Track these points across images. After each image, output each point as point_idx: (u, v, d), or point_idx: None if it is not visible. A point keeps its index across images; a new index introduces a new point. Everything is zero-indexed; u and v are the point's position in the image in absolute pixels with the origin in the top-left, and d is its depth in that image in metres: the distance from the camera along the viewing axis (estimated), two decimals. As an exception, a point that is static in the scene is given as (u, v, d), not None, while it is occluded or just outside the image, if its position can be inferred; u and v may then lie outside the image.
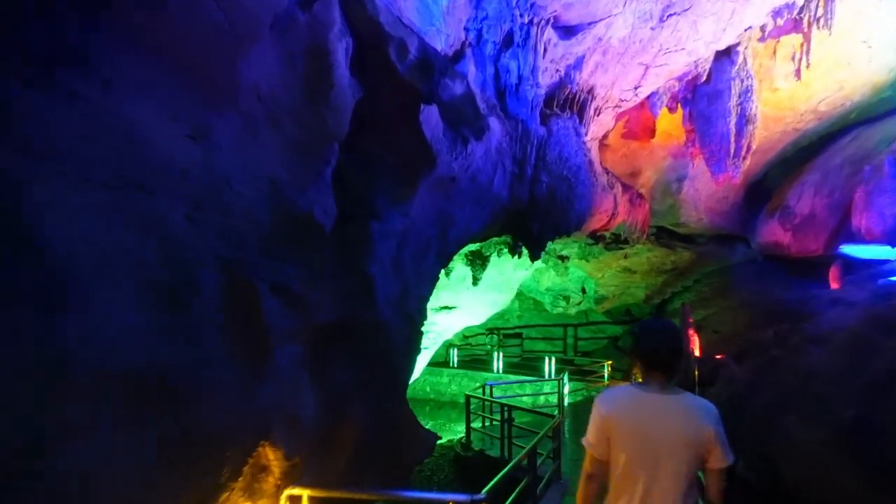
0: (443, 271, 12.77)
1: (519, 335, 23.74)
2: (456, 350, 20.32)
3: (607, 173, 12.44)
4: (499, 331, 23.51)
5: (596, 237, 13.06)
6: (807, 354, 7.82)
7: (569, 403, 14.06)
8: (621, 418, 2.27)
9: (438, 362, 20.87)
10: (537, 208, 9.18)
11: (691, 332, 11.98)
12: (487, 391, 11.21)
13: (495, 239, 11.63)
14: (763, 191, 16.47)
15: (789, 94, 13.31)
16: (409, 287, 7.64)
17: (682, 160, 15.20)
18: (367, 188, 6.91)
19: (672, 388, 2.31)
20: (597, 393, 16.27)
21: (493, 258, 12.62)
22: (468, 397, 9.99)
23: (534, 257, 10.12)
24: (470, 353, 21.97)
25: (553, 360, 17.41)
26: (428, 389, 19.91)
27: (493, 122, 8.46)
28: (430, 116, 7.01)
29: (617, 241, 16.32)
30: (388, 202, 7.09)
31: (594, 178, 10.94)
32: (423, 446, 6.19)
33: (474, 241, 9.87)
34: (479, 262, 12.11)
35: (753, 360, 9.45)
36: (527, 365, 18.76)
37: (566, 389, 13.80)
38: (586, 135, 10.97)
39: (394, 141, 7.03)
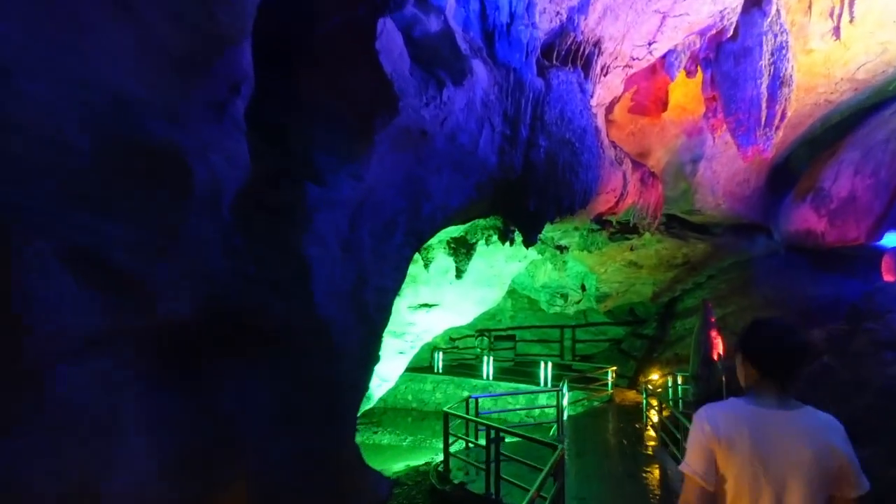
0: (421, 262, 11.08)
1: (512, 337, 22.09)
2: (441, 354, 18.63)
3: (615, 147, 10.78)
4: (489, 332, 21.87)
5: (601, 222, 11.39)
6: (880, 364, 6.16)
7: (568, 416, 12.39)
8: (735, 440, 1.88)
9: (422, 367, 19.19)
10: (534, 179, 7.50)
11: (714, 333, 10.35)
12: (472, 406, 9.51)
13: (482, 223, 9.95)
14: (787, 174, 14.89)
15: (825, 56, 11.70)
16: (366, 275, 5.97)
17: (697, 138, 13.58)
18: (305, 140, 5.23)
19: (791, 400, 1.91)
20: (600, 404, 14.74)
21: (481, 247, 10.93)
22: (446, 415, 8.29)
23: (528, 242, 8.44)
24: (457, 357, 20.29)
25: (549, 365, 15.75)
26: (410, 398, 18.22)
27: (478, 67, 6.77)
28: (391, 42, 5.31)
29: (624, 231, 14.72)
30: (335, 160, 5.42)
31: (601, 149, 9.27)
32: (370, 498, 4.48)
33: (456, 221, 8.18)
34: (463, 250, 10.43)
35: (800, 368, 7.79)
36: (520, 371, 17.10)
37: (565, 400, 12.13)
38: (592, 96, 9.30)
39: (341, 76, 5.33)
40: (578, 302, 17.93)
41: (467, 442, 8.89)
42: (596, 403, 14.44)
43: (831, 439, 1.85)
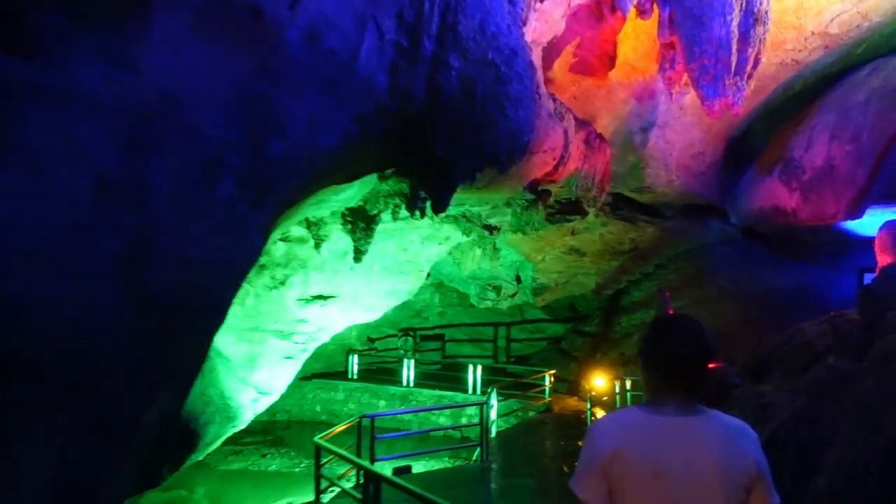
0: (311, 241, 8.89)
1: (440, 337, 20.14)
2: (357, 357, 16.42)
3: (555, 100, 8.89)
4: (415, 332, 19.82)
5: (537, 192, 9.49)
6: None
7: (498, 433, 10.47)
8: (631, 455, 1.68)
9: (335, 373, 16.96)
10: (443, 112, 5.47)
11: None
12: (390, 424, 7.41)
13: (384, 187, 7.87)
14: (745, 149, 13.50)
15: (797, 3, 10.22)
16: (155, 237, 3.78)
17: (649, 102, 11.94)
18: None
19: (696, 406, 1.74)
20: (537, 415, 12.97)
21: (387, 222, 8.85)
22: (317, 449, 6.14)
23: (438, 207, 6.47)
24: (376, 360, 18.13)
25: (479, 368, 13.84)
26: (318, 408, 15.96)
27: (354, -68, 4.66)
28: None
29: (565, 212, 12.94)
30: (73, 24, 3.21)
31: (537, 91, 7.34)
32: None
33: (340, 177, 6.07)
34: (361, 225, 8.30)
35: (792, 375, 6.12)
36: (447, 375, 15.10)
37: (494, 413, 10.20)
38: (525, 23, 7.36)
39: None
40: (513, 295, 16.11)
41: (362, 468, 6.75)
42: (532, 414, 12.61)
43: (741, 448, 1.69)
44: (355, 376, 16.19)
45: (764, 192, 11.63)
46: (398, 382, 15.15)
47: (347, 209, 8.33)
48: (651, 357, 1.78)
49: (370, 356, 17.96)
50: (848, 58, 11.93)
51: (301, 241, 9.05)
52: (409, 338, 19.53)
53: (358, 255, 8.51)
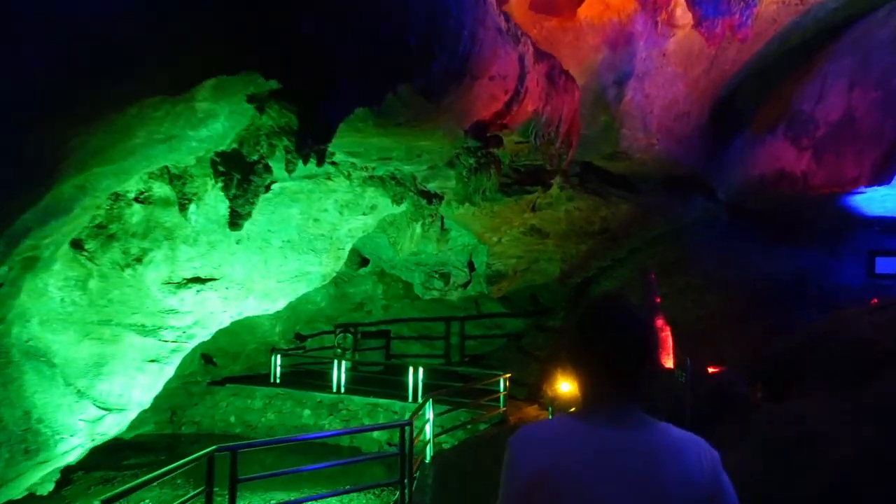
0: (175, 202, 6.70)
1: (384, 334, 17.99)
2: (279, 357, 14.17)
3: (508, 20, 6.83)
4: (355, 328, 17.67)
5: (485, 141, 7.41)
6: None
7: (435, 456, 8.42)
8: (559, 481, 1.38)
9: (254, 376, 14.67)
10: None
11: (660, 322, 6.82)
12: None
13: (265, 122, 5.73)
14: (734, 113, 11.71)
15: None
16: None
17: (624, 50, 10.02)
18: None
19: (638, 416, 1.45)
20: (488, 427, 10.97)
21: (282, 178, 6.74)
22: None
23: (319, 139, 4.35)
24: (308, 360, 15.89)
25: (420, 371, 11.75)
26: (233, 419, 13.68)
27: None
28: None
29: (524, 182, 11.01)
30: None
31: (478, -18, 5.27)
32: None
33: (159, 84, 3.91)
34: (238, 177, 6.11)
35: (844, 388, 4.25)
36: (389, 380, 12.96)
37: (429, 429, 8.17)
38: None
39: None
40: (465, 285, 14.08)
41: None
42: (483, 427, 10.59)
43: (696, 471, 1.37)
44: (278, 380, 13.94)
45: (764, 156, 9.84)
46: (328, 388, 12.98)
47: (217, 154, 6.14)
48: (579, 351, 1.47)
49: (299, 357, 15.70)
50: (855, 2, 10.21)
51: (165, 203, 6.83)
52: (349, 335, 17.36)
53: (236, 220, 6.33)
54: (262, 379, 14.34)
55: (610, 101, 10.49)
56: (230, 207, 6.35)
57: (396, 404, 11.89)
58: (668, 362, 6.53)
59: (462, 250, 13.68)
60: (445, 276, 13.75)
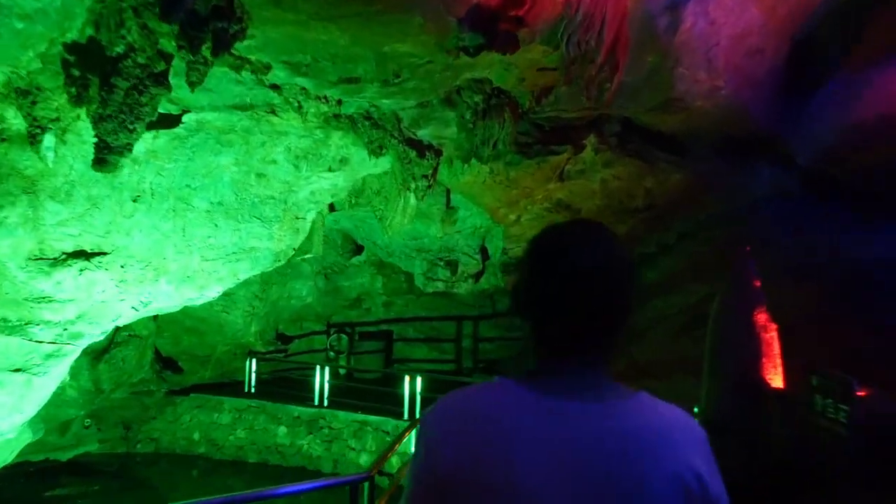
0: (18, 127, 4.56)
1: (386, 335, 15.82)
2: (255, 362, 12.06)
3: None
4: (352, 328, 15.55)
5: (491, 36, 5.12)
6: None
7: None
8: (486, 475, 0.99)
9: (227, 384, 12.61)
10: None
11: (764, 318, 4.62)
12: None
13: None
14: (815, 57, 9.33)
15: None
16: None
17: (681, -37, 7.73)
18: None
19: (603, 381, 1.07)
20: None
21: (182, 95, 4.62)
22: None
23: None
24: (291, 366, 13.79)
25: (419, 382, 9.55)
26: (196, 436, 11.60)
27: None
28: None
29: (548, 141, 8.92)
30: None
31: None
32: None
33: None
34: (94, 80, 3.99)
35: None
36: (385, 392, 10.69)
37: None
38: None
39: None
40: (477, 276, 11.86)
41: None
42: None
43: (675, 455, 0.99)
44: (253, 389, 11.84)
45: (870, 98, 7.50)
46: (309, 400, 10.83)
47: (67, 48, 4.00)
48: (532, 294, 1.08)
49: (280, 362, 13.58)
50: None
51: (23, 139, 4.71)
52: (343, 336, 15.22)
53: (105, 156, 4.22)
54: (236, 388, 12.24)
55: (660, 32, 8.16)
56: (96, 136, 4.21)
57: (389, 422, 9.70)
58: (776, 378, 4.31)
59: (473, 233, 11.48)
60: (452, 265, 11.55)
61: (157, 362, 11.61)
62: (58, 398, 9.60)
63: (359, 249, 13.51)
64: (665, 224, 10.86)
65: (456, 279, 11.69)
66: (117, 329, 9.90)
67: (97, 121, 4.07)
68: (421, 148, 6.86)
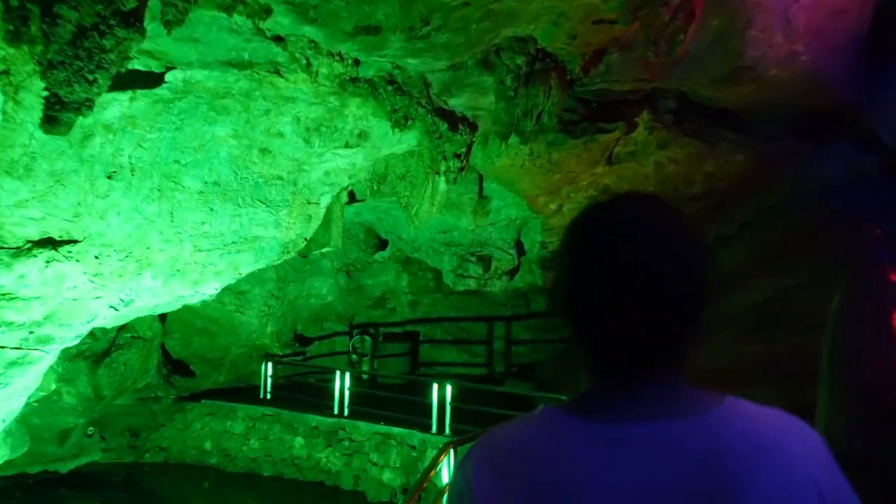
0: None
1: (412, 336, 14.92)
2: (272, 366, 11.23)
3: None
4: (376, 329, 14.70)
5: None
6: None
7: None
8: None
9: (242, 389, 11.83)
10: None
11: None
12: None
13: None
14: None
15: None
16: None
17: None
18: None
19: (686, 393, 0.88)
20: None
21: (166, 50, 3.69)
22: None
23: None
24: (311, 370, 12.96)
25: (449, 391, 8.61)
26: (208, 446, 10.81)
27: None
28: None
29: (597, 118, 8.04)
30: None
31: None
32: None
33: None
34: (34, 10, 3.12)
35: None
36: (410, 401, 9.75)
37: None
38: None
39: None
40: (511, 272, 10.88)
41: None
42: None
43: (793, 470, 0.80)
44: (268, 395, 11.02)
45: None
46: (328, 408, 9.97)
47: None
48: (574, 287, 0.88)
49: (299, 365, 12.74)
50: None
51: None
52: (367, 337, 14.35)
53: (55, 113, 3.33)
54: (251, 394, 11.43)
55: (728, -11, 7.14)
56: (46, 87, 3.34)
57: (415, 435, 8.77)
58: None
59: (507, 226, 10.50)
60: (485, 260, 10.59)
61: (167, 365, 10.86)
62: (54, 406, 8.90)
63: (383, 245, 12.63)
64: (725, 213, 9.77)
65: (489, 276, 10.73)
66: (119, 330, 9.17)
67: (45, 68, 3.21)
68: (453, 120, 5.91)
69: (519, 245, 10.73)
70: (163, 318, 10.79)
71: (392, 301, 14.73)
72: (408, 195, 7.52)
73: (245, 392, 11.79)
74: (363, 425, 9.39)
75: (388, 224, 11.45)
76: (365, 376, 13.20)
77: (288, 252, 5.90)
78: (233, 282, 5.87)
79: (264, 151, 5.11)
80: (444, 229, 10.74)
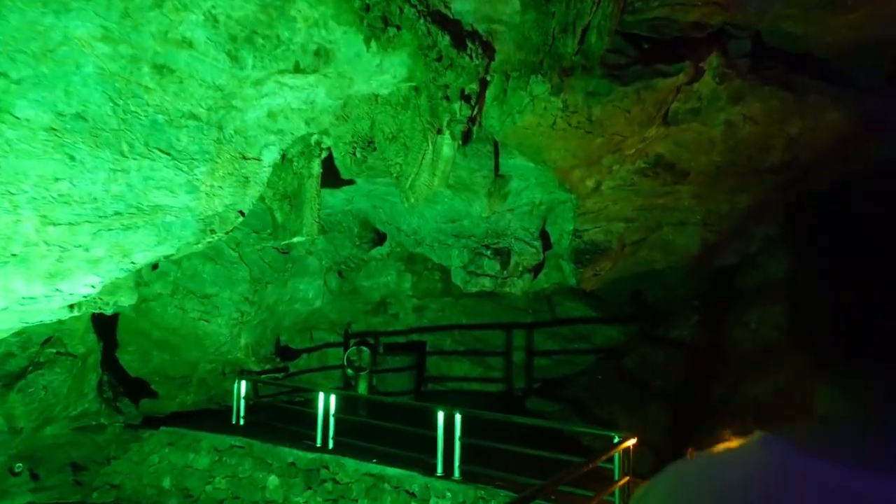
0: None
1: (418, 347, 13.12)
2: (245, 385, 9.41)
3: None
4: (376, 339, 12.92)
5: None
6: None
7: None
8: None
9: (213, 411, 10.05)
10: None
11: None
12: None
13: None
14: None
15: None
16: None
17: None
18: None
19: None
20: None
21: None
22: None
23: None
24: (293, 388, 11.15)
25: (458, 422, 6.73)
26: (167, 483, 9.01)
27: None
28: None
29: (650, 60, 6.26)
30: None
31: None
32: None
33: None
34: None
35: None
36: (411, 431, 7.80)
37: None
38: None
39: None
40: (535, 269, 9.02)
41: None
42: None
43: None
44: (241, 421, 9.21)
45: None
46: (310, 440, 8.15)
47: None
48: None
49: (271, 384, 10.86)
50: None
51: None
52: (365, 349, 12.50)
53: None
54: (224, 418, 9.62)
55: None
56: None
57: (416, 479, 6.88)
58: None
59: (530, 212, 8.65)
60: (502, 255, 8.73)
61: (114, 386, 9.08)
62: (-43, 441, 7.19)
63: (381, 239, 10.83)
64: (805, 189, 7.84)
65: (508, 274, 8.85)
66: (42, 345, 7.41)
67: None
68: (459, 35, 4.07)
69: (544, 236, 8.87)
70: (109, 328, 9.06)
71: (394, 306, 12.93)
72: (400, 162, 5.69)
73: (217, 416, 10.00)
74: (350, 463, 7.53)
75: (386, 213, 9.66)
76: (363, 393, 11.44)
77: (213, 231, 4.06)
78: (124, 274, 4.03)
79: (162, 70, 3.30)
80: (452, 217, 8.91)
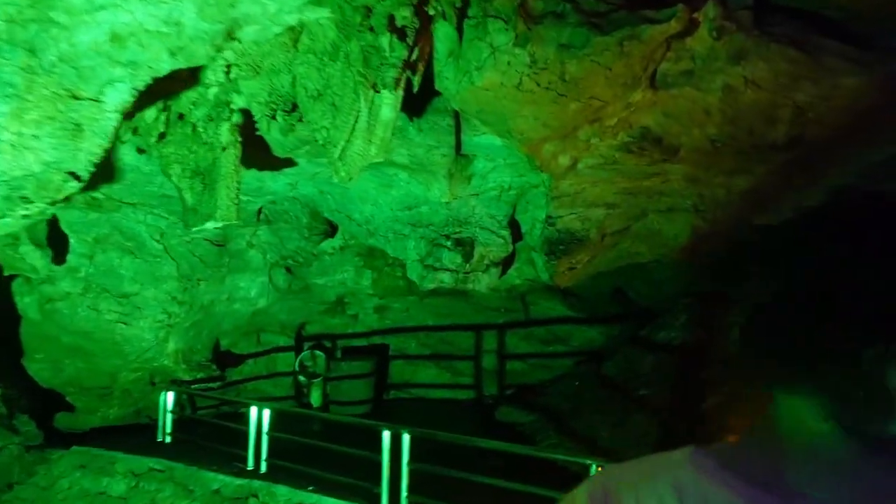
0: None
1: (379, 350, 12.11)
2: (172, 396, 8.28)
3: None
4: (332, 342, 11.93)
5: None
6: None
7: None
8: None
9: (140, 426, 8.92)
10: None
11: None
12: None
13: None
14: None
15: None
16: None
17: None
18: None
19: None
20: None
21: None
22: None
23: None
24: (232, 398, 10.03)
25: (406, 442, 5.69)
26: (78, 514, 7.84)
27: None
28: None
29: (629, 7, 5.15)
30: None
31: None
32: None
33: None
34: None
35: None
36: (365, 447, 6.76)
37: None
38: None
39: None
40: (504, 263, 8.01)
41: None
42: None
43: None
44: (167, 438, 8.09)
45: None
46: (241, 463, 7.06)
47: None
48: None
49: (203, 396, 9.67)
50: None
51: None
52: (320, 353, 11.42)
53: None
54: (149, 436, 8.48)
55: None
56: None
57: (356, 510, 5.87)
58: None
59: (498, 197, 7.64)
60: (466, 246, 7.70)
61: (20, 398, 7.93)
62: None
63: (332, 229, 9.76)
64: (814, 173, 6.91)
65: (471, 268, 7.81)
66: None
67: None
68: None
69: (514, 225, 7.86)
70: (10, 331, 7.90)
71: (353, 306, 11.92)
72: (327, 126, 4.62)
73: (144, 432, 8.86)
74: (283, 490, 6.43)
75: (335, 200, 8.59)
76: (315, 404, 10.43)
77: (26, 200, 2.98)
78: None
79: None
80: (408, 204, 7.86)
